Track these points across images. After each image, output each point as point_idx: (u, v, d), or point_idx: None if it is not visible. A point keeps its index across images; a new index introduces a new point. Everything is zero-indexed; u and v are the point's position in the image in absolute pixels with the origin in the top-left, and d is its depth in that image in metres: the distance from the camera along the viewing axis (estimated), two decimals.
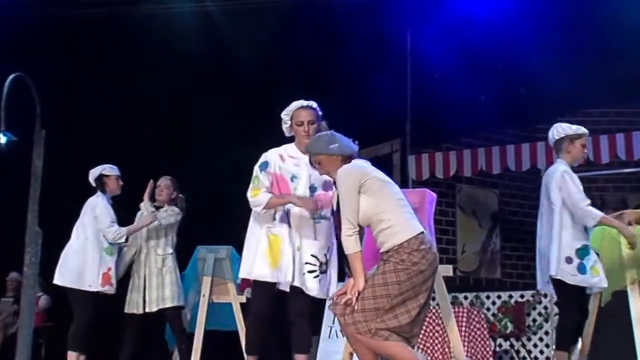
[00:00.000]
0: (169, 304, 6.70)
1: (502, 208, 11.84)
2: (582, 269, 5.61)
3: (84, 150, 8.72)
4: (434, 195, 5.31)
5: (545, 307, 9.54)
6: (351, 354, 5.36)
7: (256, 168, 5.03)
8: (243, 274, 5.09)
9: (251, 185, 5.02)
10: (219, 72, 9.23)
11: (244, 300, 7.18)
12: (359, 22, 9.34)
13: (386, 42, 9.89)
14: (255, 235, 5.05)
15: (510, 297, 9.84)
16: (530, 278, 11.71)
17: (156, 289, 6.68)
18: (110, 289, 6.79)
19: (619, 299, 5.85)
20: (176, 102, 9.02)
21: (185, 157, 9.54)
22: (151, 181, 6.91)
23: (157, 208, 6.93)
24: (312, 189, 4.97)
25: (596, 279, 5.64)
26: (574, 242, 5.64)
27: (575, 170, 9.48)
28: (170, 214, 6.89)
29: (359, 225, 4.38)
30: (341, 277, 5.31)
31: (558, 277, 5.61)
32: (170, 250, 6.82)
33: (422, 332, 6.50)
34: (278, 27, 8.97)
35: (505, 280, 11.53)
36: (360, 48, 9.57)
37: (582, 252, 5.65)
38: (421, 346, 7.89)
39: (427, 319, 7.59)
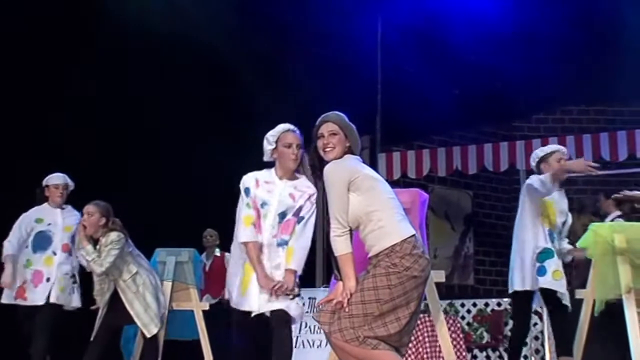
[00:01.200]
0: (161, 323, 6.51)
1: (475, 210, 11.86)
2: (540, 271, 5.99)
3: (30, 149, 8.50)
4: (426, 195, 5.25)
5: None
6: None
7: (242, 193, 5.21)
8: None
9: (245, 209, 5.16)
10: (184, 66, 9.04)
11: (207, 308, 7.06)
12: (328, 12, 9.25)
13: (355, 31, 9.79)
14: (235, 262, 5.25)
15: (487, 305, 9.83)
16: (504, 285, 11.67)
17: (145, 312, 6.43)
18: (22, 302, 6.83)
19: (613, 308, 5.84)
20: (138, 93, 8.81)
21: (146, 156, 9.30)
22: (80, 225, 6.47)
23: (96, 242, 6.35)
24: (282, 215, 5.09)
25: (557, 282, 5.98)
26: (535, 248, 6.04)
27: None
28: (111, 250, 6.27)
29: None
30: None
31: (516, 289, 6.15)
32: (135, 269, 6.47)
33: None
34: (242, 16, 8.85)
35: (478, 287, 11.56)
36: (329, 38, 9.48)
37: (543, 255, 6.02)
38: None
39: None
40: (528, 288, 6.05)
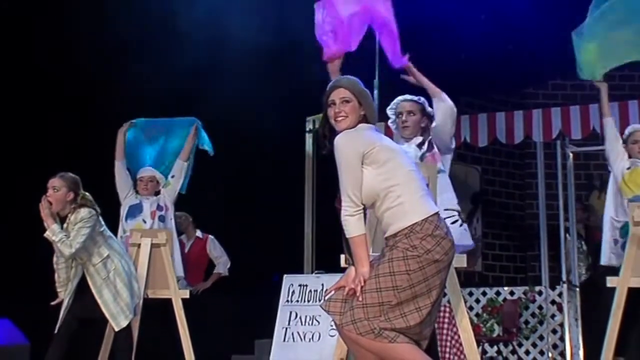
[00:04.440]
0: (134, 314, 6.47)
1: (484, 188, 11.87)
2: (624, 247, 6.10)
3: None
4: None
5: (540, 307, 9.57)
6: None
7: None
8: None
9: None
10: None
11: (187, 296, 7.00)
12: None
13: None
14: None
15: (498, 294, 9.85)
16: (516, 272, 11.81)
17: (114, 301, 6.37)
18: None
19: None
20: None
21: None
22: (42, 199, 6.29)
23: (63, 220, 6.31)
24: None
25: None
26: (616, 223, 6.34)
27: (575, 144, 9.59)
28: (81, 229, 6.22)
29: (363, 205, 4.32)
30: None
31: (607, 264, 6.33)
32: (106, 252, 6.43)
33: None
34: None
35: (487, 273, 11.58)
36: None
37: (624, 230, 6.19)
38: None
39: None
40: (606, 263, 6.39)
